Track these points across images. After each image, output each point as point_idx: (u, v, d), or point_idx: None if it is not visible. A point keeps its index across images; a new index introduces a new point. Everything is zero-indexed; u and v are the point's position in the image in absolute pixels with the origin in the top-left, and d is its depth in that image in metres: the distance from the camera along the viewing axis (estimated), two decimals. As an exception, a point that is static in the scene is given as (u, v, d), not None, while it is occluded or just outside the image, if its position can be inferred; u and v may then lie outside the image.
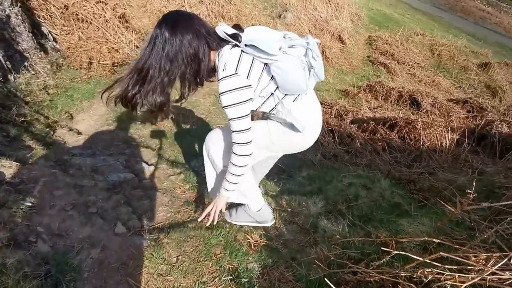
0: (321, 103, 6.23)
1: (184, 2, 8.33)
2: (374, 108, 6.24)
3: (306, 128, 1.51)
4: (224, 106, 1.33)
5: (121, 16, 6.32)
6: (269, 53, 1.28)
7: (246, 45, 1.30)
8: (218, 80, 1.33)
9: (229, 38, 1.32)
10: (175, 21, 1.26)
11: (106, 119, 3.71)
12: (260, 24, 8.56)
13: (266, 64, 1.34)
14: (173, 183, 2.13)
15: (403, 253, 1.32)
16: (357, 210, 2.40)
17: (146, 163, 2.27)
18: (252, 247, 1.77)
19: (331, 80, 8.39)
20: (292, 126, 1.50)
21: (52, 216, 1.45)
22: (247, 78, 1.32)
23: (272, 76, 1.37)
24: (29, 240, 1.28)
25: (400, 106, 6.87)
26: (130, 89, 1.31)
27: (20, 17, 4.22)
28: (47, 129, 2.86)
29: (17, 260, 1.12)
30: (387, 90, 7.32)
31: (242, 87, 1.31)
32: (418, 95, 7.03)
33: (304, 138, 1.63)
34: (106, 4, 6.17)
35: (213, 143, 1.67)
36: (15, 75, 3.47)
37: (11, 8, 4.11)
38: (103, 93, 1.42)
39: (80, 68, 4.76)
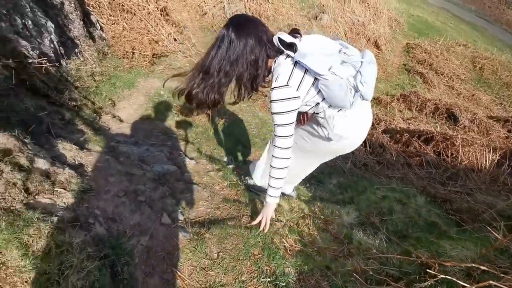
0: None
1: (223, -2, 8.42)
2: (407, 119, 6.06)
3: (342, 138, 1.61)
4: (273, 113, 1.42)
5: (163, 9, 6.49)
6: (318, 73, 1.33)
7: (299, 61, 1.33)
8: (271, 88, 1.40)
9: (284, 49, 1.35)
10: (241, 25, 1.32)
11: (145, 109, 3.85)
12: (296, 25, 8.51)
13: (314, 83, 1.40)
14: (212, 178, 2.18)
15: (450, 278, 1.30)
16: (391, 225, 2.36)
17: (187, 156, 2.34)
18: (288, 251, 1.79)
19: (364, 86, 8.21)
20: (331, 136, 1.61)
21: (107, 201, 1.53)
22: (297, 90, 1.38)
23: (319, 90, 1.42)
24: (88, 222, 1.37)
25: (436, 119, 6.62)
26: (193, 85, 1.39)
27: (72, 5, 4.44)
28: (94, 114, 3.01)
29: (81, 240, 1.20)
30: (422, 101, 7.08)
31: (292, 97, 1.37)
32: (456, 109, 6.73)
33: (340, 147, 1.75)
34: (150, -4, 6.35)
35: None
36: (66, 61, 3.67)
37: (66, -4, 4.33)
38: (165, 82, 1.62)
39: (123, 57, 4.95)
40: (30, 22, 3.16)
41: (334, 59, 1.36)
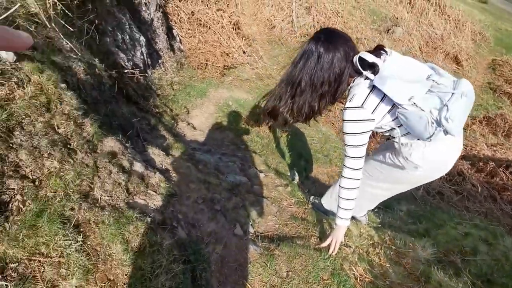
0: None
1: (292, 12, 8.57)
2: (492, 145, 5.37)
3: (418, 168, 1.49)
4: (345, 133, 1.38)
5: (235, 23, 6.84)
6: (396, 102, 1.26)
7: (376, 86, 1.27)
8: (344, 107, 1.35)
9: (363, 71, 1.29)
10: (330, 38, 1.30)
11: (216, 118, 4.07)
12: (365, 39, 8.24)
13: (393, 109, 1.32)
14: (280, 194, 2.20)
15: None
16: (475, 267, 2.10)
17: (256, 168, 2.40)
18: (358, 281, 1.70)
19: (438, 105, 7.53)
20: (407, 163, 1.50)
21: (188, 206, 1.64)
22: (371, 113, 1.32)
23: (396, 116, 1.33)
24: (173, 225, 1.48)
25: (527, 148, 5.75)
26: (281, 101, 1.41)
27: (160, 21, 4.95)
28: (172, 121, 3.28)
29: (169, 243, 1.30)
30: (510, 126, 6.21)
31: (366, 119, 1.33)
32: (555, 138, 5.78)
33: (416, 178, 1.62)
34: (224, 12, 6.76)
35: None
36: (151, 71, 4.09)
37: (155, 13, 4.85)
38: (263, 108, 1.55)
39: (198, 68, 5.32)
40: (127, 37, 3.60)
41: (417, 88, 1.26)
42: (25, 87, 1.33)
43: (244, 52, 6.64)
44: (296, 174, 3.21)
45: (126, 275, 1.12)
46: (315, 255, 1.70)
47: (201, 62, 5.49)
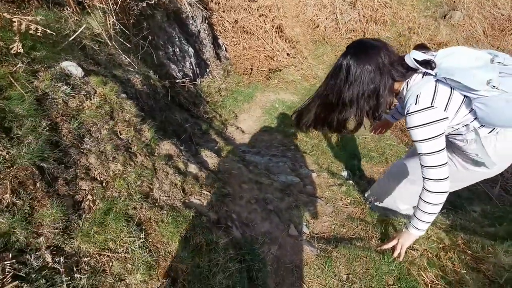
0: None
1: (336, 9, 8.31)
2: None
3: (495, 165, 1.34)
4: (417, 141, 1.22)
5: (278, 26, 6.85)
6: (473, 89, 1.12)
7: (445, 78, 1.16)
8: (408, 113, 1.20)
9: (420, 67, 1.19)
10: (360, 52, 1.20)
11: (263, 121, 4.09)
12: (419, 27, 7.64)
13: (464, 100, 1.19)
14: (334, 193, 2.10)
15: None
16: None
17: (307, 168, 2.33)
18: (429, 287, 1.53)
19: None
20: (477, 162, 1.36)
21: (241, 206, 1.65)
22: (444, 111, 1.17)
23: (472, 108, 1.19)
24: (227, 225, 1.49)
25: None
26: (312, 117, 1.36)
27: (206, 32, 5.17)
28: (222, 125, 3.37)
29: (225, 242, 1.31)
30: None
31: (439, 120, 1.17)
32: None
33: (489, 173, 1.48)
34: (266, 17, 6.81)
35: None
36: (200, 79, 4.27)
37: (201, 24, 5.08)
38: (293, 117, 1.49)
39: (243, 74, 5.43)
40: (177, 49, 3.81)
41: (489, 71, 1.13)
42: (92, 98, 1.46)
43: (288, 54, 6.61)
44: (350, 174, 3.06)
45: (185, 272, 1.14)
46: (377, 258, 1.57)
47: (246, 68, 5.59)
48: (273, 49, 6.41)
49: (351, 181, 2.55)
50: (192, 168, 1.62)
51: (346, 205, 2.03)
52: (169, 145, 1.62)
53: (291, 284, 1.41)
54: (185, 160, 1.63)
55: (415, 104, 1.18)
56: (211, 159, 1.93)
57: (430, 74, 1.20)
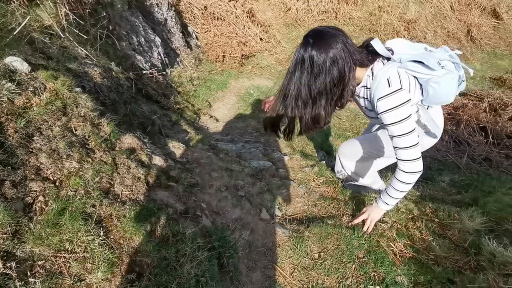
0: (466, 94, 5.18)
1: (307, -10, 8.21)
2: (548, 101, 4.78)
3: (441, 133, 1.59)
4: (391, 124, 1.25)
5: (249, 11, 6.70)
6: (432, 69, 1.25)
7: (409, 61, 1.27)
8: (382, 97, 1.24)
9: (387, 53, 1.27)
10: (318, 41, 1.16)
11: (238, 108, 4.04)
12: (389, 5, 7.71)
13: (416, 78, 1.31)
14: (307, 175, 2.12)
15: None
16: (536, 235, 1.86)
17: (281, 152, 2.33)
18: (398, 257, 1.59)
19: (478, 66, 6.87)
20: (428, 132, 1.54)
21: (211, 195, 1.63)
22: (409, 92, 1.27)
23: (421, 90, 1.35)
24: (197, 214, 1.47)
25: None
26: (279, 112, 1.33)
27: (173, 20, 4.99)
28: (195, 115, 3.30)
29: (192, 231, 1.30)
30: None
31: (407, 101, 1.24)
32: None
33: (432, 141, 1.67)
34: (237, 1, 6.64)
35: (346, 160, 1.98)
36: (170, 69, 4.14)
37: (167, 12, 4.89)
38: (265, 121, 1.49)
39: (216, 61, 5.31)
40: (142, 39, 3.66)
41: (432, 56, 1.29)
42: (41, 94, 1.37)
43: (261, 39, 6.51)
44: (325, 154, 3.10)
45: (151, 265, 1.12)
46: (348, 234, 1.61)
47: (218, 55, 5.47)
48: (245, 34, 6.28)
49: (324, 162, 2.58)
50: (157, 160, 1.58)
51: (319, 185, 2.05)
52: (132, 139, 1.56)
53: (264, 266, 1.42)
54: (149, 152, 1.59)
55: (389, 86, 1.23)
56: (178, 150, 1.88)
57: (390, 61, 1.27)
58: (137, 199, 1.31)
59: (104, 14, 2.95)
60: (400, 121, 1.23)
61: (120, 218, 1.18)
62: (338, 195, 2.01)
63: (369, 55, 1.27)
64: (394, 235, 1.73)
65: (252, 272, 1.39)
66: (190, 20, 5.96)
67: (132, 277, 1.06)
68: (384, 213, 1.76)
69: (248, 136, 2.79)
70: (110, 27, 3.10)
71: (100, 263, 1.03)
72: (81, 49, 2.22)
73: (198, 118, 3.31)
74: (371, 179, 2.07)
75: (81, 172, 1.22)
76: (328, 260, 1.48)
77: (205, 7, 6.14)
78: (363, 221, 1.63)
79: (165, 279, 1.10)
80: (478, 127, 3.99)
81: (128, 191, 1.31)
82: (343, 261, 1.49)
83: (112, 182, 1.29)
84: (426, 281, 1.45)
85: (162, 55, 4.03)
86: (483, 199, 2.29)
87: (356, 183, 2.17)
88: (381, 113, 1.25)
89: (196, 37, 5.69)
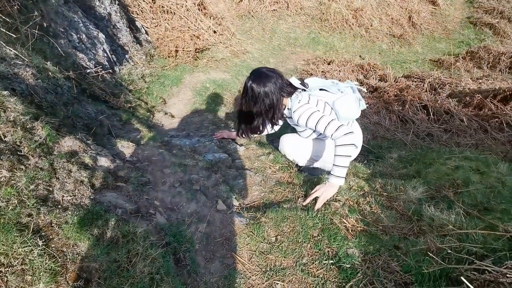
0: (409, 76, 5.57)
1: (256, -18, 8.19)
2: (478, 79, 5.30)
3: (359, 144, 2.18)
4: (305, 122, 1.74)
5: (200, 3, 6.55)
6: (333, 93, 1.88)
7: (320, 90, 1.88)
8: (294, 110, 1.77)
9: (301, 86, 1.82)
10: (259, 78, 1.73)
11: (194, 103, 3.97)
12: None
13: (326, 102, 1.88)
14: (263, 163, 2.15)
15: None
16: (468, 198, 2.08)
17: (237, 143, 2.34)
18: (350, 231, 1.68)
19: (420, 49, 7.39)
20: None
21: (164, 191, 1.60)
22: (315, 106, 1.80)
23: (331, 111, 1.89)
24: (150, 212, 1.44)
25: (514, 74, 5.69)
26: (243, 127, 2.01)
27: (118, 14, 4.73)
28: (148, 113, 3.19)
29: (144, 230, 1.27)
30: (495, 56, 6.13)
31: (312, 107, 1.77)
32: (540, 58, 5.72)
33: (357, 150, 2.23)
34: (187, -7, 6.45)
35: (292, 156, 2.18)
36: (119, 67, 3.94)
37: (111, 6, 4.62)
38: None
39: (169, 57, 5.15)
40: (84, 36, 3.43)
41: (334, 85, 1.92)
42: (-41, 100, 1.24)
43: (215, 32, 6.41)
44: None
45: (99, 270, 1.08)
46: (303, 215, 1.68)
47: (171, 50, 5.30)
48: (198, 27, 6.15)
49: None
50: (103, 161, 1.51)
51: (275, 172, 2.10)
52: (72, 141, 1.47)
53: (222, 256, 1.44)
54: (94, 154, 1.51)
55: (298, 103, 1.77)
56: (128, 149, 1.81)
57: (304, 91, 1.82)
58: (81, 203, 1.24)
59: (37, 10, 2.72)
60: (310, 116, 1.72)
61: (62, 225, 1.12)
62: (293, 179, 2.08)
63: (291, 88, 1.81)
64: (347, 211, 1.83)
65: (210, 263, 1.39)
66: (138, 14, 5.69)
67: (79, 284, 1.02)
68: (337, 191, 1.86)
69: (204, 130, 2.76)
70: (45, 24, 2.87)
71: (41, 274, 0.97)
72: (9, 49, 2.03)
73: (152, 116, 3.20)
74: (321, 162, 2.17)
75: (13, 181, 1.13)
76: (284, 242, 1.53)
77: (153, 0, 5.90)
78: (315, 199, 1.72)
79: (116, 281, 1.07)
80: (420, 105, 4.31)
81: (70, 196, 1.24)
82: (299, 241, 1.55)
83: (50, 189, 1.21)
84: (375, 250, 1.55)
85: (108, 52, 3.81)
86: (424, 171, 2.50)
87: (311, 166, 2.26)
88: (297, 120, 1.77)
89: (146, 32, 5.45)
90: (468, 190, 2.15)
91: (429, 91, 4.77)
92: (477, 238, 1.52)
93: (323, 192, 1.71)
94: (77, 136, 1.54)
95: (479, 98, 4.16)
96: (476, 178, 2.28)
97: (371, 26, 7.55)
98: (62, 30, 3.09)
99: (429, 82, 4.96)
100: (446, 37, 7.77)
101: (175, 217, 1.50)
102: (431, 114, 4.12)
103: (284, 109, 1.89)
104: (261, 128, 1.94)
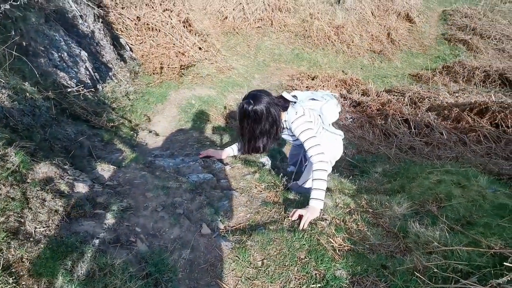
0: (390, 90, 5.73)
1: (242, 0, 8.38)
2: (454, 92, 5.51)
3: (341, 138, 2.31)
4: (300, 133, 1.86)
5: (185, 20, 6.61)
6: (319, 100, 2.12)
7: (310, 99, 2.11)
8: (292, 121, 1.88)
9: (293, 99, 1.96)
10: (256, 98, 1.79)
11: (179, 120, 3.93)
12: (318, 12, 8.20)
13: (314, 110, 2.10)
14: (249, 182, 2.12)
15: (536, 271, 1.09)
16: (451, 212, 2.11)
17: (222, 163, 2.31)
18: (337, 251, 1.66)
19: (399, 64, 7.67)
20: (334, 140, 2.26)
21: (146, 217, 1.54)
22: (310, 117, 1.96)
23: (319, 118, 2.13)
24: (130, 240, 1.38)
25: (488, 87, 5.95)
26: (244, 146, 1.99)
27: (102, 32, 4.69)
28: (132, 132, 3.12)
29: (123, 261, 1.21)
30: (469, 71, 6.42)
31: (308, 121, 1.90)
32: (510, 73, 6.01)
33: (341, 146, 2.33)
34: (171, 11, 6.52)
35: None
36: (102, 85, 3.88)
37: (94, 24, 4.59)
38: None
39: (153, 74, 5.12)
40: (65, 54, 3.38)
41: (318, 95, 2.15)
42: None
43: (200, 48, 6.45)
44: (269, 159, 3.15)
45: (74, 307, 1.02)
46: (289, 237, 1.65)
47: (156, 67, 5.29)
48: (183, 44, 6.18)
49: (267, 167, 2.63)
50: (81, 187, 1.45)
51: (261, 192, 2.08)
52: (48, 167, 1.41)
53: (207, 284, 1.38)
54: (71, 180, 1.45)
55: (295, 114, 1.88)
56: (108, 173, 1.76)
57: (296, 103, 1.95)
58: (55, 234, 1.18)
59: (15, 30, 2.66)
60: (305, 130, 1.85)
61: (33, 259, 1.05)
62: (279, 199, 2.06)
63: (285, 102, 1.93)
64: (333, 230, 1.82)
65: (194, 292, 1.34)
66: (122, 31, 5.67)
67: (51, 325, 0.95)
68: (321, 211, 1.85)
69: (189, 149, 2.72)
70: (24, 43, 2.81)
71: (8, 315, 0.90)
72: (-17, 70, 1.96)
73: (135, 135, 3.14)
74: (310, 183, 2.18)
75: (-20, 214, 1.06)
76: (271, 266, 1.49)
77: (138, 17, 5.91)
78: (300, 217, 1.76)
79: (92, 319, 1.01)
80: (402, 119, 4.42)
81: (43, 227, 1.17)
82: (286, 264, 1.51)
83: (22, 220, 1.15)
84: (363, 270, 1.54)
85: (90, 70, 3.75)
86: (408, 185, 2.53)
87: (299, 184, 2.27)
88: (294, 129, 1.88)
89: (131, 49, 5.42)
90: (451, 204, 2.18)
91: (409, 105, 4.91)
92: (461, 255, 1.53)
93: (306, 214, 1.74)
94: (53, 162, 1.48)
95: (456, 111, 4.31)
96: (458, 192, 2.32)
97: (352, 42, 7.79)
98: (43, 49, 3.03)
99: (409, 96, 5.11)
100: (423, 53, 8.10)
101: (157, 243, 1.45)
102: (413, 127, 4.23)
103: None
104: (267, 148, 1.98)
